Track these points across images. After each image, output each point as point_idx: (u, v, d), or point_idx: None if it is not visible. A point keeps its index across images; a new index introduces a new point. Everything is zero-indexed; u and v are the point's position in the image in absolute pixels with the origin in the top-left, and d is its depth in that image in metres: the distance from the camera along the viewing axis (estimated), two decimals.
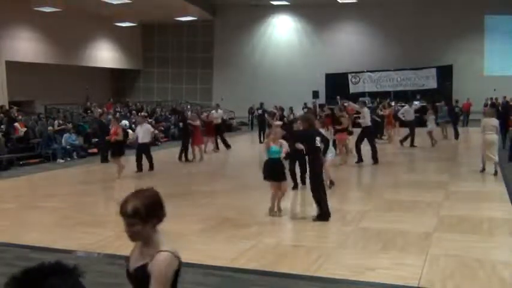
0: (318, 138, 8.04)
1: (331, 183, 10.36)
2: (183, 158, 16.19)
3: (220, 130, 19.48)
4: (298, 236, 7.54)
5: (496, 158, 11.74)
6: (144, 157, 13.98)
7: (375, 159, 13.93)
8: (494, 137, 11.85)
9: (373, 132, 15.12)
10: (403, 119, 18.72)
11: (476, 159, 13.22)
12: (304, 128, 8.34)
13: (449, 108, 21.37)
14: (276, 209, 8.34)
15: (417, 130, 17.77)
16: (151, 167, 14.05)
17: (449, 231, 7.19)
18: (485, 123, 12.05)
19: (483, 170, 12.09)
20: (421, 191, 10.07)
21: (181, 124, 17.04)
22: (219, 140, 19.05)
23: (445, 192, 9.91)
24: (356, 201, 9.66)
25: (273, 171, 8.21)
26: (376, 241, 6.75)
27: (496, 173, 11.67)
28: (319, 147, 8.01)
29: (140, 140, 13.98)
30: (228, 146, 19.03)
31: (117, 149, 13.45)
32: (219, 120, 19.50)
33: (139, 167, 13.99)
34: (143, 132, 14.10)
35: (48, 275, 1.57)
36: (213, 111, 20.56)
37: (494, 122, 12.05)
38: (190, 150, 16.35)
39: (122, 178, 13.04)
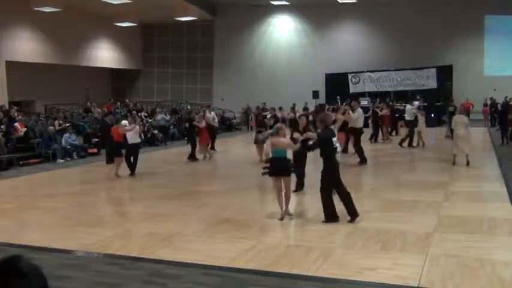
0: (334, 139, 7.97)
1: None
2: (193, 158, 16.15)
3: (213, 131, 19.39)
4: (298, 236, 7.53)
5: (467, 150, 12.94)
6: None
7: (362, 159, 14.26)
8: (464, 132, 13.00)
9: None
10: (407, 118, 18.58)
11: (476, 159, 13.24)
12: (322, 129, 8.25)
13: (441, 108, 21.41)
14: (286, 211, 8.20)
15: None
16: (132, 171, 13.45)
17: (449, 231, 7.19)
18: (456, 120, 13.26)
19: (454, 163, 13.01)
20: (421, 191, 10.06)
21: (187, 125, 17.00)
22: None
23: (445, 192, 9.91)
24: (356, 201, 9.62)
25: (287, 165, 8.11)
26: (376, 241, 6.75)
27: (468, 163, 12.76)
28: (336, 148, 8.00)
29: (130, 141, 13.40)
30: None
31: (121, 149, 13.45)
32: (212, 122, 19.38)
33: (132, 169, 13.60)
34: (133, 133, 13.55)
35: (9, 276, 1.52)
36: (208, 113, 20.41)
37: (465, 118, 13.38)
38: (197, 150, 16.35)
39: (120, 179, 13.05)
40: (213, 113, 20.38)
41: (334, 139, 7.98)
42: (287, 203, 8.21)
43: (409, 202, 9.15)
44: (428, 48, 29.29)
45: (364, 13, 30.56)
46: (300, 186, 10.31)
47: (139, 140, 13.98)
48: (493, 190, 10.26)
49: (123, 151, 13.42)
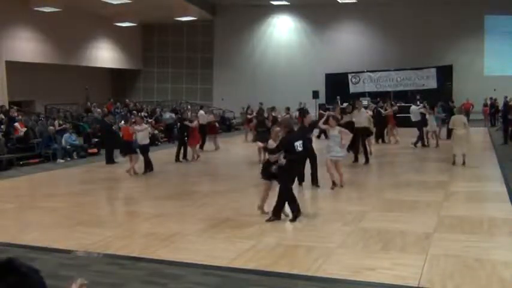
0: (297, 144, 7.99)
1: (333, 184, 10.51)
2: (181, 159, 16.16)
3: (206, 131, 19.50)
4: (298, 236, 7.53)
5: (465, 150, 12.96)
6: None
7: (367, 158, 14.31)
8: (462, 132, 12.99)
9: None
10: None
11: (476, 159, 13.22)
12: (285, 134, 8.23)
13: (446, 109, 21.34)
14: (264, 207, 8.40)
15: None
16: (146, 170, 13.83)
17: (449, 231, 7.19)
18: (454, 120, 13.27)
19: (454, 162, 13.00)
20: (421, 191, 10.07)
21: (178, 124, 17.03)
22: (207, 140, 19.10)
23: (445, 192, 9.91)
24: (356, 201, 9.65)
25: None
26: (376, 241, 6.75)
27: (464, 163, 12.83)
28: (299, 152, 8.00)
29: (141, 142, 13.88)
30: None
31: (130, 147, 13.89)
32: (205, 121, 19.43)
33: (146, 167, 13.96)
34: (143, 133, 13.98)
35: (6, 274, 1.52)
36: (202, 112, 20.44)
37: (463, 118, 13.38)
38: (188, 150, 16.36)
39: (120, 179, 13.07)
40: (201, 112, 20.49)
41: (297, 143, 8.01)
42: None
43: (409, 202, 9.15)
44: (428, 48, 29.30)
45: (364, 13, 30.57)
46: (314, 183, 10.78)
47: (148, 141, 14.33)
48: (493, 190, 10.26)
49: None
